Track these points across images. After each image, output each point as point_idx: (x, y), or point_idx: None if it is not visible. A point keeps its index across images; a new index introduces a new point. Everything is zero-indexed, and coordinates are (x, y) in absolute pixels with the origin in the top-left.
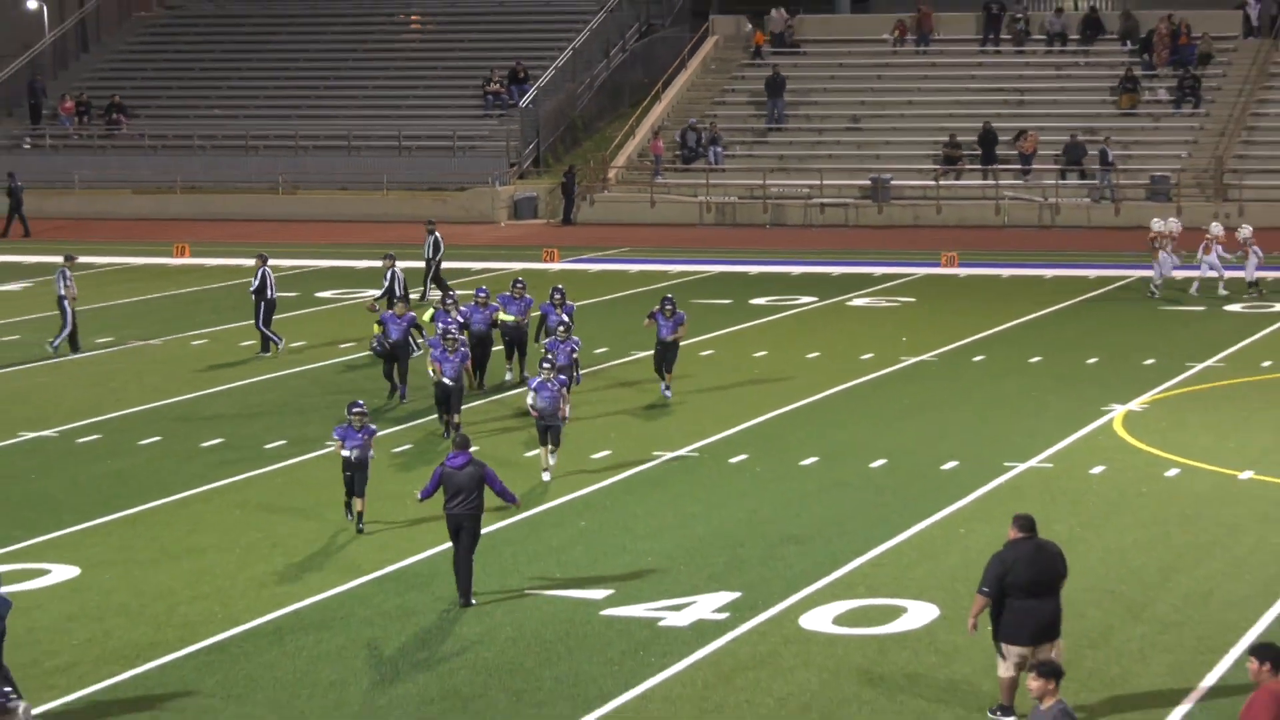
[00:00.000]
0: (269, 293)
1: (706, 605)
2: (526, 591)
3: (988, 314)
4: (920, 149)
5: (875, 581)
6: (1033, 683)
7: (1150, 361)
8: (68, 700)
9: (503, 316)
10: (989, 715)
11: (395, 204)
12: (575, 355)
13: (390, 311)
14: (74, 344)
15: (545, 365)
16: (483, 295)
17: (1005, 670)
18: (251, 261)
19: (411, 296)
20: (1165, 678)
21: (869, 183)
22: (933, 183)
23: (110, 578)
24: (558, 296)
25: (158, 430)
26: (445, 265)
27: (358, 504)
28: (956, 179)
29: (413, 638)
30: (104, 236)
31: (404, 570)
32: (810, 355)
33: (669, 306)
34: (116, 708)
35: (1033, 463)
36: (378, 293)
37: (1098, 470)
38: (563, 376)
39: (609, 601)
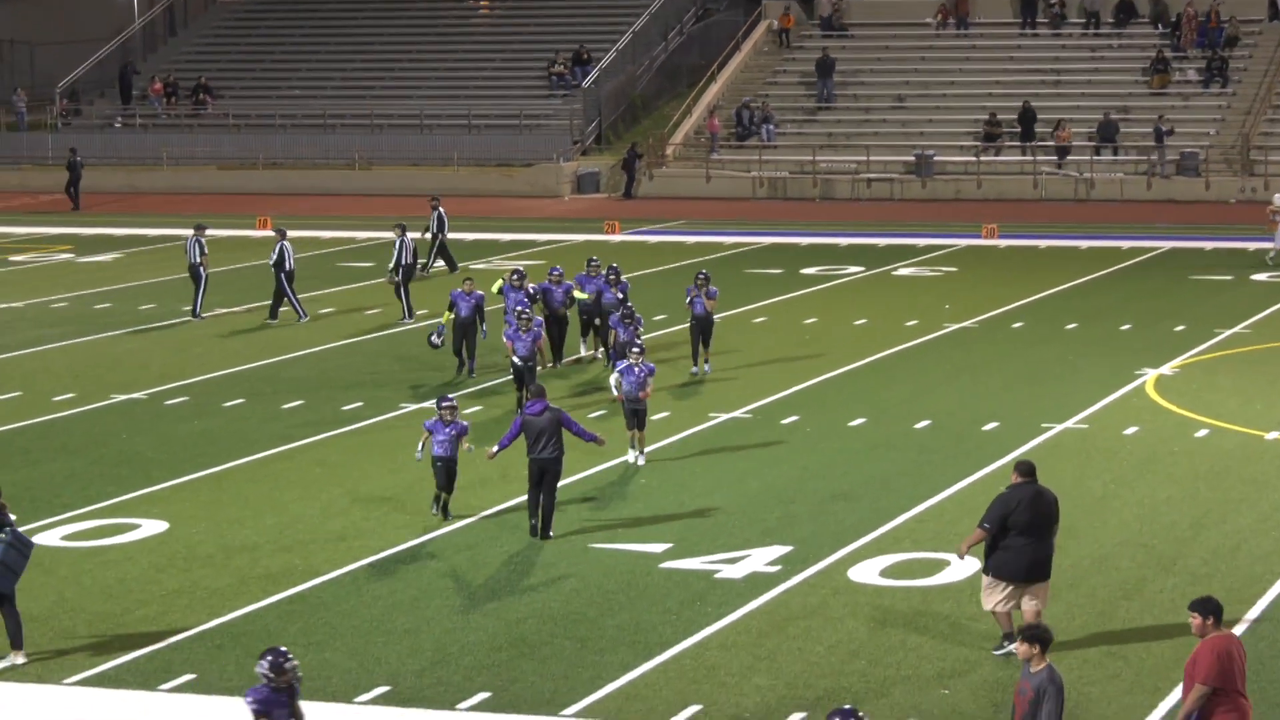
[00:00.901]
0: (287, 264)
1: (760, 558)
2: (590, 545)
3: (1026, 283)
4: (962, 126)
5: (920, 536)
6: (1019, 646)
7: (1180, 328)
8: (157, 647)
9: (579, 295)
10: (995, 654)
11: (465, 179)
12: (639, 333)
13: (459, 290)
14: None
15: (635, 350)
16: (557, 274)
17: (998, 604)
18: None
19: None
20: None
21: (913, 158)
22: (974, 158)
23: (197, 531)
24: (612, 275)
25: (241, 393)
26: (477, 238)
27: (444, 498)
28: (996, 155)
29: (482, 588)
30: (191, 210)
31: (473, 526)
32: (858, 322)
33: (701, 280)
34: (203, 654)
35: (1069, 424)
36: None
37: (1131, 431)
38: (650, 364)
39: (668, 555)
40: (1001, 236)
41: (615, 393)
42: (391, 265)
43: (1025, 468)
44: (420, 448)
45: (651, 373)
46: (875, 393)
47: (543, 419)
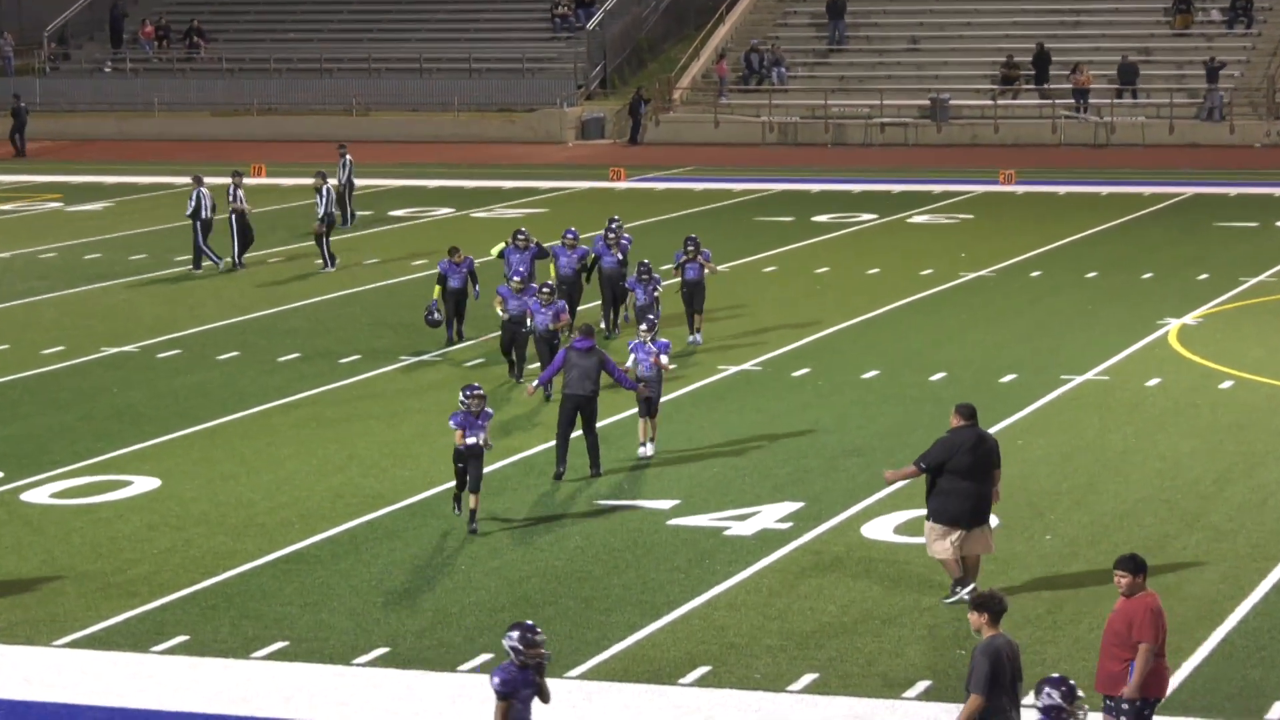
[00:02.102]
0: (204, 213)
1: (770, 515)
2: (595, 502)
3: (1044, 230)
4: (978, 69)
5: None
6: (971, 615)
7: (1204, 276)
8: (149, 607)
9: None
10: (944, 603)
11: (465, 125)
12: (658, 294)
13: (447, 260)
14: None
15: (644, 327)
16: (571, 237)
17: (944, 551)
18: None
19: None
20: (1220, 584)
21: (928, 102)
22: (990, 102)
23: (190, 488)
24: (611, 235)
25: (235, 345)
26: (478, 185)
27: (471, 500)
28: (1014, 99)
29: (484, 547)
30: (184, 157)
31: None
32: (871, 271)
33: (691, 247)
34: (196, 614)
35: (1089, 375)
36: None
37: (1153, 382)
38: (664, 340)
39: (675, 511)
40: (1019, 182)
41: (636, 374)
42: (321, 215)
43: (966, 410)
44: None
45: (666, 349)
46: (889, 344)
47: (587, 359)
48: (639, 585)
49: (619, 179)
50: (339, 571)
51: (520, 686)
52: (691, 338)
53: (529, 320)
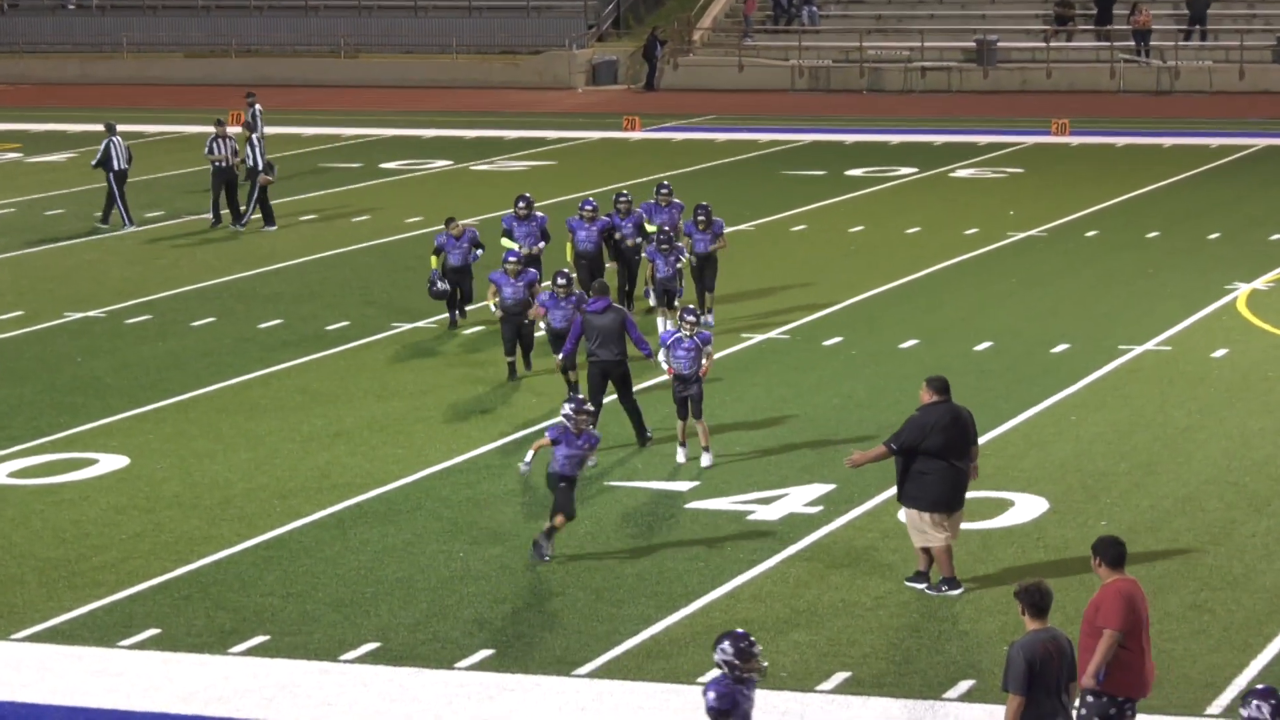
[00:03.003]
0: (115, 164)
1: (798, 498)
2: (606, 484)
3: (1101, 185)
4: (1029, 8)
5: (981, 473)
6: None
7: (1276, 237)
8: (116, 597)
9: (649, 227)
10: (930, 592)
11: (465, 69)
12: (680, 265)
13: (446, 232)
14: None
15: (689, 319)
16: (590, 209)
17: (931, 539)
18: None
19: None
20: None
21: (974, 44)
22: (1042, 44)
23: (162, 467)
24: (623, 202)
25: (212, 310)
26: (478, 135)
27: (556, 519)
28: (1068, 40)
29: (484, 531)
30: (154, 103)
31: (475, 460)
32: (910, 230)
33: (702, 216)
34: (168, 606)
35: (1150, 345)
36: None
37: (1219, 354)
38: (705, 332)
39: (694, 494)
40: (1073, 133)
41: (665, 367)
42: (261, 167)
43: (938, 384)
44: (529, 459)
45: (708, 341)
46: (930, 311)
47: (606, 318)
48: (654, 574)
49: (633, 129)
50: (325, 559)
51: (740, 701)
52: (662, 330)
53: (537, 315)
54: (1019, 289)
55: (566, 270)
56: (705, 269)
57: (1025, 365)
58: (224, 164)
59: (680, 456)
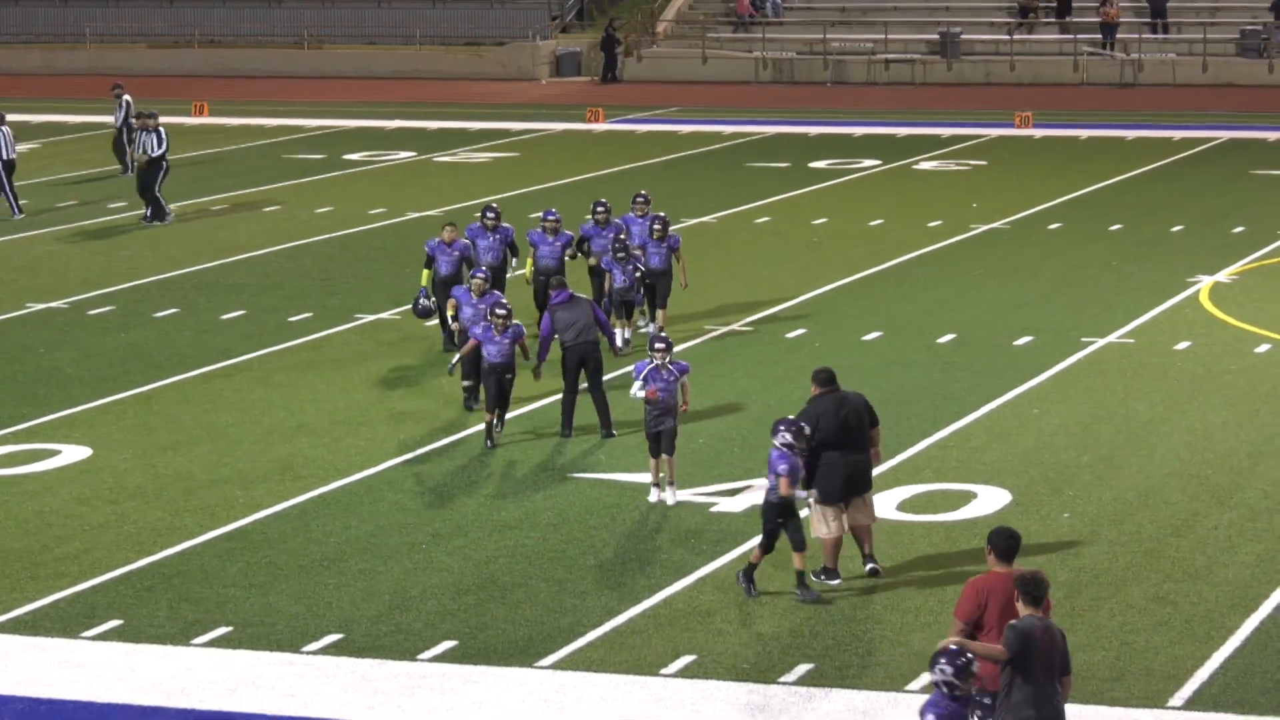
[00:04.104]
0: (4, 154)
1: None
2: (569, 475)
3: (1065, 178)
4: (992, 0)
5: (943, 465)
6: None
7: (1240, 229)
8: (79, 589)
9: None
10: (812, 578)
11: (428, 60)
12: (639, 274)
13: (437, 239)
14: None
15: (659, 346)
16: (552, 219)
17: (826, 530)
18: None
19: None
20: (1254, 568)
21: (937, 37)
22: (1006, 37)
23: (124, 459)
24: (601, 212)
25: (174, 301)
26: (441, 126)
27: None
28: (1030, 33)
29: (448, 523)
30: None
31: (440, 450)
32: (873, 223)
33: (658, 226)
34: (131, 597)
35: (1112, 338)
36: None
37: (1182, 346)
38: (683, 362)
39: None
40: (1037, 125)
41: (639, 395)
42: (158, 154)
43: (822, 376)
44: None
45: (686, 371)
46: (893, 303)
47: (573, 310)
48: (617, 566)
49: (596, 120)
50: (287, 550)
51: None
52: (644, 323)
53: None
54: (983, 281)
55: (505, 302)
56: (659, 284)
57: (989, 357)
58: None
59: (653, 496)
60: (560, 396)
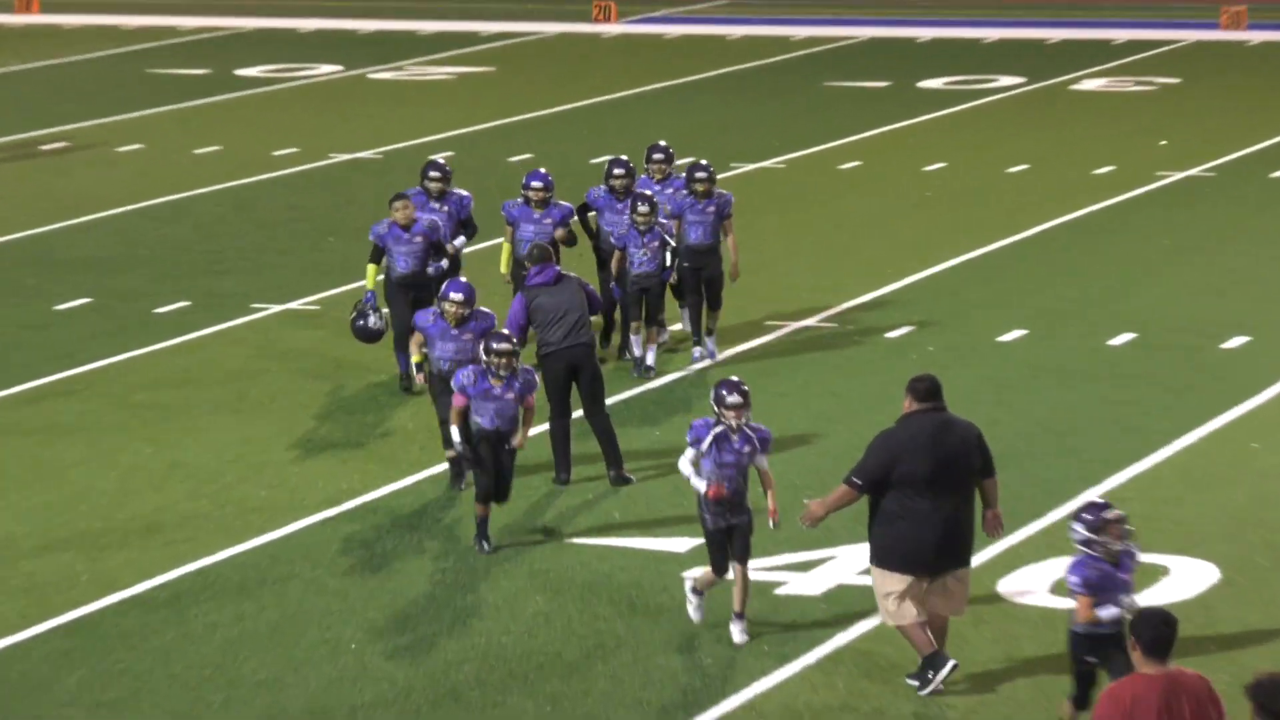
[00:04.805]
0: None
1: (849, 562)
2: (570, 541)
3: None
4: None
5: (1125, 524)
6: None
7: None
8: None
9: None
10: (910, 683)
11: None
12: (669, 254)
13: (388, 221)
14: None
15: (733, 401)
16: (539, 185)
17: (902, 615)
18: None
19: None
20: None
21: None
22: None
23: None
24: (620, 175)
25: None
26: (382, 27)
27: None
28: None
29: (390, 611)
30: None
31: (378, 504)
32: (1013, 169)
33: (701, 177)
34: None
35: None
36: None
37: None
38: (763, 428)
39: (697, 554)
40: (1252, 26)
41: (701, 487)
42: None
43: (923, 387)
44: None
45: (768, 442)
46: (1042, 288)
47: (559, 293)
48: (638, 676)
49: (607, 20)
50: (151, 651)
51: (1109, 588)
52: (698, 350)
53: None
54: (1174, 255)
55: (506, 333)
56: (705, 269)
57: (1183, 368)
58: None
59: (696, 612)
60: (546, 426)
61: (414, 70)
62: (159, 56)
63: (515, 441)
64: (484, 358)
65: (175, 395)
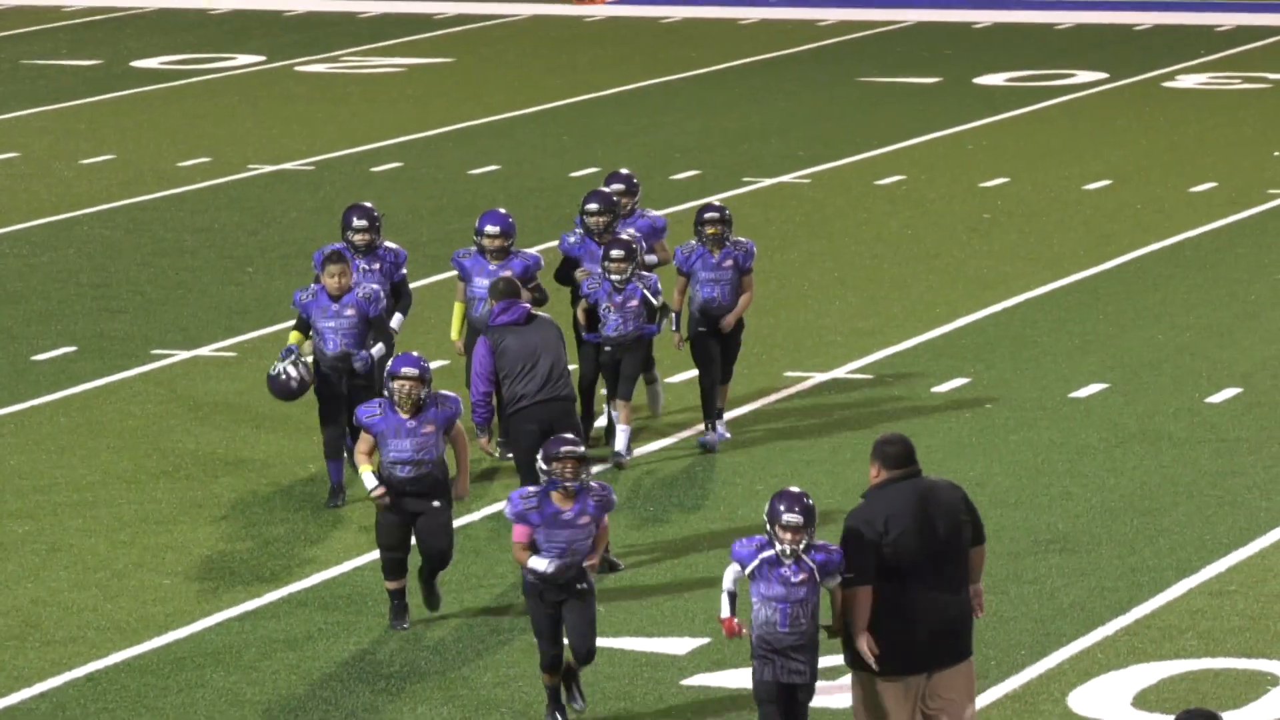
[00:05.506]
0: None
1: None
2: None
3: None
4: None
5: (1220, 624)
6: None
7: None
8: None
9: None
10: None
11: None
12: (657, 316)
13: (315, 287)
14: None
15: (791, 520)
16: (495, 231)
17: None
18: None
19: None
20: None
21: None
22: None
23: None
24: (595, 211)
25: None
26: (332, 8)
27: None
28: None
29: (350, 712)
30: None
31: (306, 595)
32: (1092, 186)
33: (713, 217)
34: None
35: None
36: None
37: None
38: (835, 551)
39: (701, 657)
40: None
41: (744, 630)
42: None
43: (895, 452)
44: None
45: (832, 568)
46: (1126, 331)
47: (530, 334)
48: None
49: (593, 0)
50: None
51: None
52: (706, 436)
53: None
54: None
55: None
56: (711, 336)
57: None
58: None
59: None
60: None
61: (352, 61)
62: (37, 43)
63: (546, 568)
64: (389, 384)
65: (57, 459)
